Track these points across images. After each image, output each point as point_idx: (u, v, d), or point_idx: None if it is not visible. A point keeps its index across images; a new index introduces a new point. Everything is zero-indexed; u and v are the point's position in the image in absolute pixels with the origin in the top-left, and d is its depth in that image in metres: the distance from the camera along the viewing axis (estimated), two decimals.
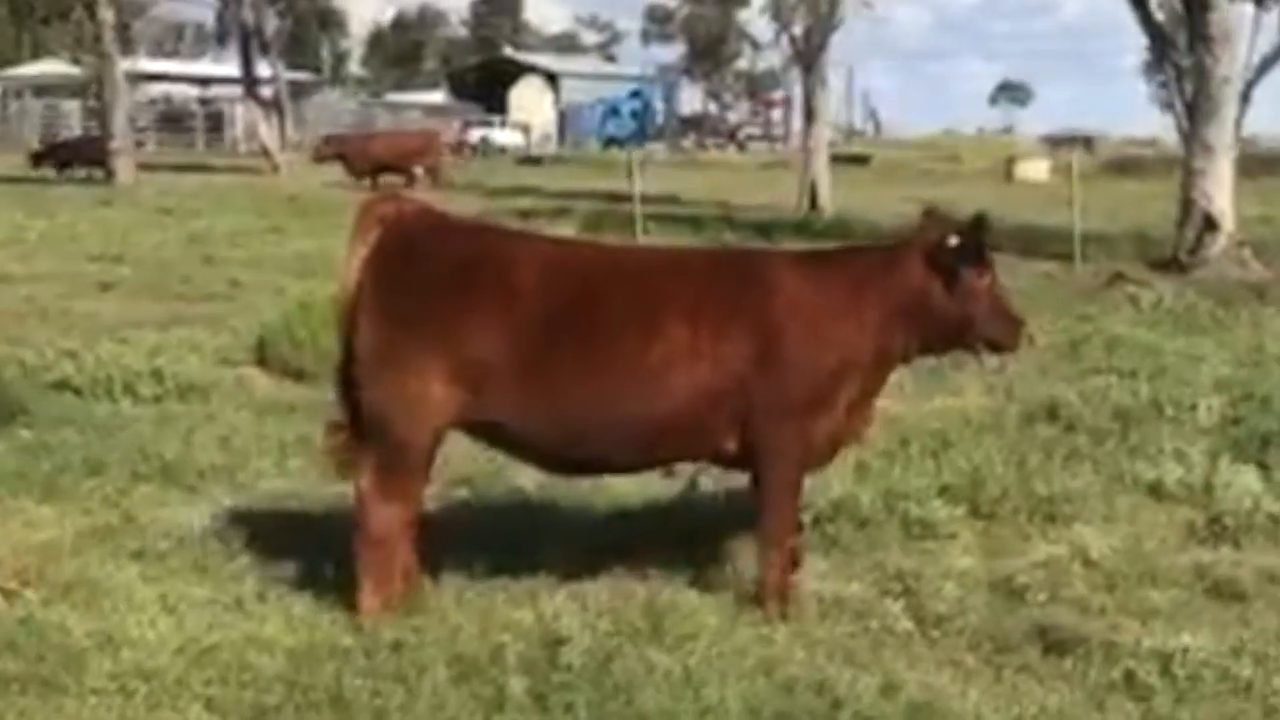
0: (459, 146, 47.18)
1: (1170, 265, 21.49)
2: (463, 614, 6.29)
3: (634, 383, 6.26)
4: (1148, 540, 7.74)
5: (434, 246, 6.34)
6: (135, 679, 5.54)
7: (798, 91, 42.82)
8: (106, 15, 40.40)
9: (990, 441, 9.68)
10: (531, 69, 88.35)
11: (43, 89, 66.98)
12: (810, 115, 35.38)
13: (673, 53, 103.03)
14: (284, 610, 6.32)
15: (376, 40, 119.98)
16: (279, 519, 7.67)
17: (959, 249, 6.70)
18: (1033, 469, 8.78)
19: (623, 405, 6.27)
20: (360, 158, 39.17)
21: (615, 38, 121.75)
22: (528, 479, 8.12)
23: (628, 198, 36.39)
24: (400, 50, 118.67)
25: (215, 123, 72.39)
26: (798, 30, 35.23)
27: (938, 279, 6.69)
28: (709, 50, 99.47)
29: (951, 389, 11.98)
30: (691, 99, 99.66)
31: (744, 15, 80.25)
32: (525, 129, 73.24)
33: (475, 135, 72.63)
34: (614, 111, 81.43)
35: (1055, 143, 77.88)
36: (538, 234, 6.90)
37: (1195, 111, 21.84)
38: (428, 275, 6.23)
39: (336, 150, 41.05)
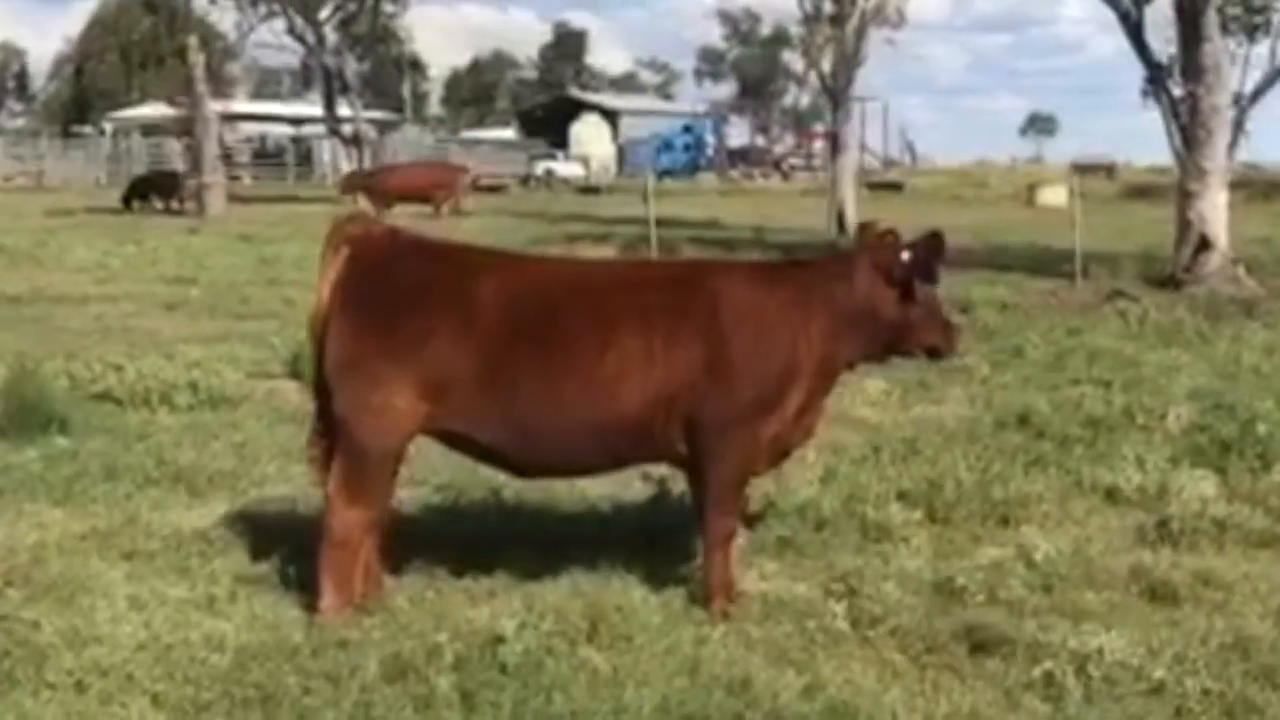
0: (476, 179, 47.14)
1: (1167, 283, 21.00)
2: (416, 613, 6.07)
3: (590, 390, 6.04)
4: (1095, 543, 7.41)
5: (398, 265, 6.14)
6: (92, 675, 5.33)
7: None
8: (197, 59, 40.64)
9: (959, 448, 9.36)
10: (591, 107, 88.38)
11: (149, 129, 67.51)
12: (838, 146, 35.03)
13: (724, 90, 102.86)
14: (250, 609, 6.13)
15: (454, 82, 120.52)
16: (270, 521, 7.47)
17: (911, 263, 6.42)
18: (993, 475, 8.46)
19: (579, 412, 6.05)
20: (382, 190, 39.14)
21: (672, 78, 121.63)
22: (506, 482, 7.87)
23: (670, 223, 36.55)
24: (475, 91, 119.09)
25: (306, 158, 72.88)
26: (826, 68, 34.89)
27: (884, 289, 6.42)
28: (757, 88, 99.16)
29: (934, 399, 11.69)
30: (740, 132, 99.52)
31: (787, 55, 79.96)
32: (585, 161, 73.19)
33: (541, 168, 72.71)
34: (667, 145, 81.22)
35: (1080, 170, 77.01)
36: (500, 251, 6.66)
37: (1190, 138, 21.34)
38: (392, 292, 6.04)
39: (360, 184, 40.96)
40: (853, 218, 34.05)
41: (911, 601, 6.41)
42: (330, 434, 6.11)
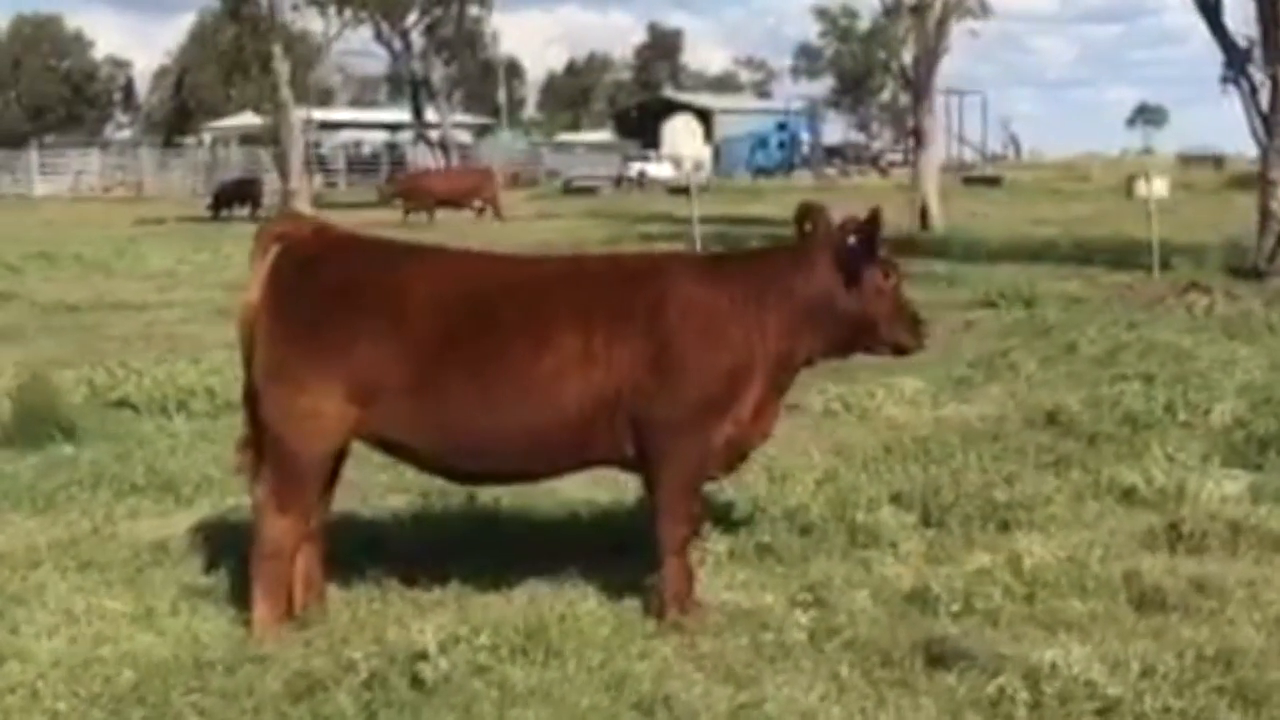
0: (513, 179, 47.62)
1: (1249, 274, 20.26)
2: (351, 626, 5.86)
3: (526, 392, 5.78)
4: (1096, 548, 6.97)
5: (327, 265, 5.90)
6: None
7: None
8: (281, 68, 41.00)
9: (977, 449, 9.01)
10: (686, 107, 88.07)
11: (246, 138, 68.47)
12: (919, 139, 34.35)
13: (822, 87, 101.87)
14: (185, 623, 5.96)
15: (551, 85, 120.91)
16: (234, 531, 7.24)
17: (857, 248, 6.11)
18: (1002, 476, 8.09)
19: (515, 415, 5.79)
20: (420, 195, 39.35)
21: (770, 76, 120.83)
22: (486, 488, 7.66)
23: (751, 220, 36.23)
24: (571, 94, 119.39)
25: (399, 164, 73.44)
26: (907, 60, 34.28)
27: (842, 281, 6.10)
28: (855, 83, 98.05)
29: (968, 397, 11.28)
30: (836, 129, 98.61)
31: (883, 51, 78.91)
32: (676, 162, 72.85)
33: (634, 169, 72.53)
34: (762, 143, 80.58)
35: (1187, 161, 75.29)
36: (434, 248, 6.42)
37: (1271, 124, 20.57)
38: (319, 293, 5.82)
39: (398, 189, 41.28)
40: (937, 213, 33.45)
41: (879, 612, 6.09)
42: (259, 441, 5.90)
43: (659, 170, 72.05)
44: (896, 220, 33.78)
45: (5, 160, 71.12)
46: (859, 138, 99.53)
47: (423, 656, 5.30)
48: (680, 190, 61.81)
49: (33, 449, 9.71)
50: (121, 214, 46.13)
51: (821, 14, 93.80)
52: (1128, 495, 7.94)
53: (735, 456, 6.20)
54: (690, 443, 5.91)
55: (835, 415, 10.65)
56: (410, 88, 53.09)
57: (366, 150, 76.84)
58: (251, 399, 5.94)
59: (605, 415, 5.83)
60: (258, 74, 42.77)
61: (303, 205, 41.25)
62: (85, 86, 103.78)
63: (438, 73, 52.99)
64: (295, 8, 43.02)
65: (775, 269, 6.16)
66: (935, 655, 5.54)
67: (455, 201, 38.86)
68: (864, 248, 6.13)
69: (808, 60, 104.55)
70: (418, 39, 52.72)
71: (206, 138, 76.22)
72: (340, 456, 5.98)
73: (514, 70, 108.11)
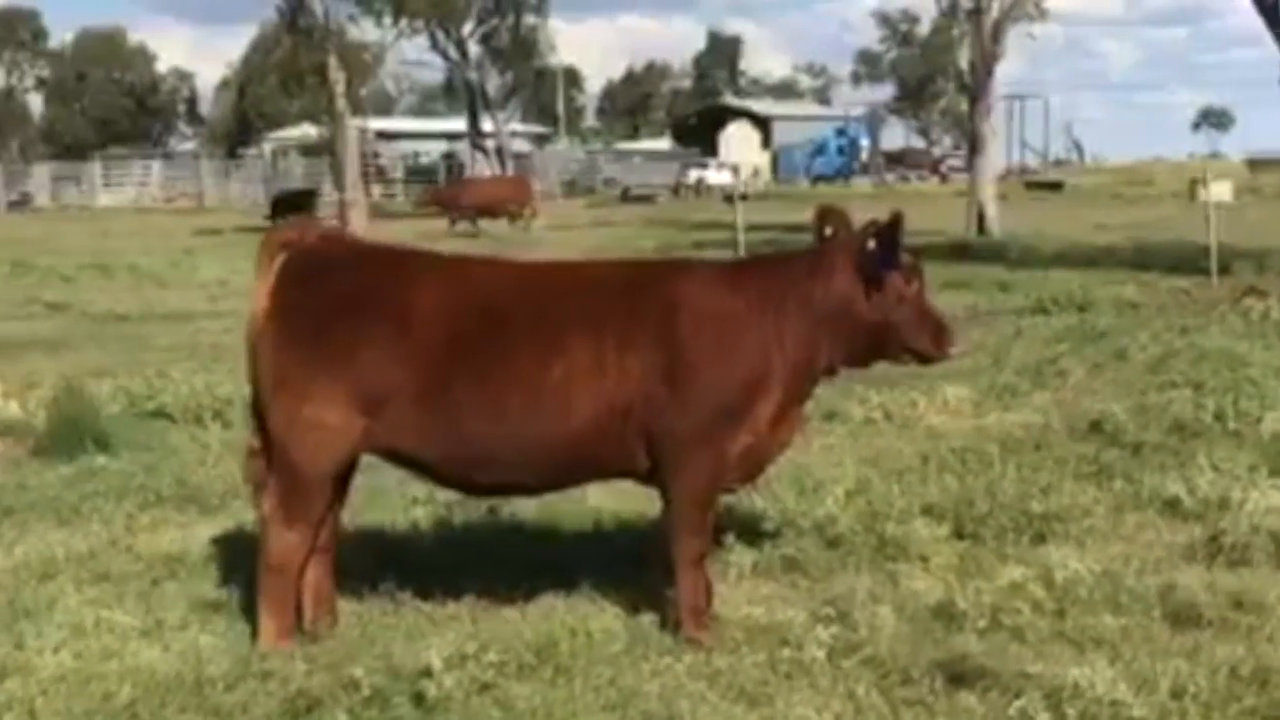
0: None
1: None
2: (360, 641, 5.75)
3: (535, 403, 5.65)
4: (1134, 561, 6.77)
5: (333, 273, 5.80)
6: None
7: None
8: (337, 78, 41.16)
9: (1017, 458, 8.78)
10: (744, 114, 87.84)
11: (305, 149, 69.03)
12: (976, 144, 34.02)
13: (883, 93, 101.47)
14: (192, 638, 5.87)
15: (610, 93, 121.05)
16: (254, 543, 7.20)
17: (877, 252, 5.94)
18: (1040, 487, 7.87)
19: (525, 426, 5.66)
20: (456, 204, 39.42)
21: (831, 82, 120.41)
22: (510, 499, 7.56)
23: (802, 228, 35.93)
24: (630, 102, 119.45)
25: (458, 174, 73.67)
26: (964, 64, 33.95)
27: (863, 287, 5.94)
28: (916, 89, 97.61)
29: (1013, 405, 11.04)
30: (896, 135, 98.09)
31: (943, 56, 78.30)
32: (734, 169, 72.62)
33: (692, 176, 72.46)
34: (820, 149, 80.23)
35: (1256, 165, 74.28)
36: (440, 255, 6.29)
37: None
38: (325, 301, 5.72)
39: (434, 198, 41.40)
40: (994, 218, 33.13)
41: (903, 628, 5.91)
42: (268, 453, 5.81)
43: (717, 177, 71.88)
44: (949, 227, 33.71)
45: (70, 172, 72.05)
46: (920, 144, 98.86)
47: (427, 674, 5.19)
48: (735, 198, 62.07)
49: (65, 459, 9.72)
50: (181, 225, 46.54)
51: (882, 19, 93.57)
52: (1170, 507, 7.71)
53: (753, 467, 6.05)
54: (705, 454, 5.77)
55: (874, 424, 10.46)
56: (466, 97, 53.20)
57: (425, 160, 77.15)
58: (259, 410, 5.86)
59: (617, 426, 5.69)
60: (314, 84, 42.93)
61: (359, 216, 41.43)
62: (149, 99, 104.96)
63: (493, 81, 53.08)
64: (351, 18, 43.19)
65: (793, 275, 6.01)
66: (957, 674, 5.36)
67: (490, 210, 38.90)
68: (884, 252, 5.98)
69: (868, 66, 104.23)
70: (474, 48, 52.86)
71: (267, 149, 76.84)
72: (350, 468, 5.88)
73: (573, 79, 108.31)
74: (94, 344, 16.35)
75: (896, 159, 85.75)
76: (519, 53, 55.49)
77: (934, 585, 6.47)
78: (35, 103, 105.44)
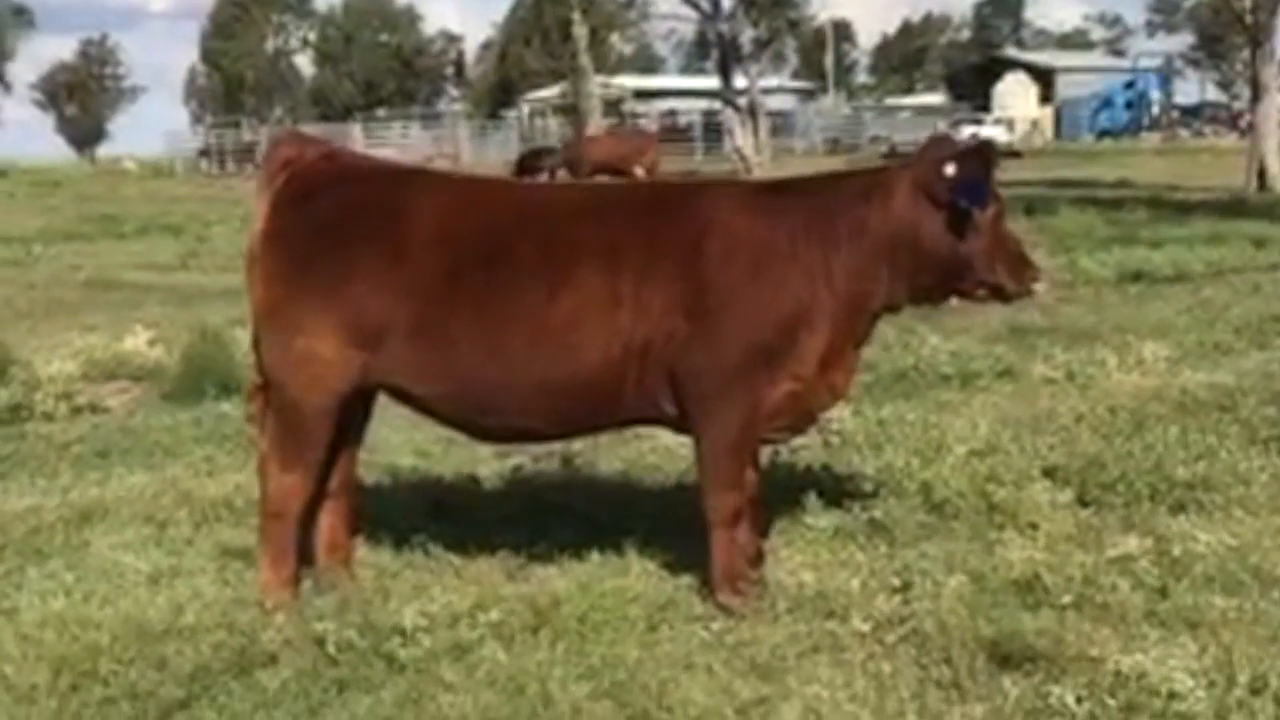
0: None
1: None
2: (374, 591, 5.51)
3: (543, 339, 5.25)
4: (1277, 537, 6.01)
5: (327, 194, 5.47)
6: None
7: None
8: (580, 32, 41.39)
9: (1195, 420, 7.98)
10: (1023, 66, 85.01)
11: (559, 108, 69.81)
12: (1257, 91, 31.94)
13: (1180, 43, 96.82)
14: (196, 586, 5.69)
15: (884, 48, 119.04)
16: None
17: (956, 179, 5.34)
18: (1196, 453, 7.10)
19: (531, 365, 5.27)
20: (578, 164, 38.58)
21: (1126, 33, 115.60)
22: (580, 450, 7.24)
23: (1068, 184, 34.45)
24: (905, 56, 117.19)
25: (715, 132, 73.43)
26: (1247, 3, 31.88)
27: (929, 213, 5.35)
28: (1216, 39, 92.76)
29: (1214, 365, 10.12)
30: (1192, 88, 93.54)
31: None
32: (1009, 124, 70.41)
33: (966, 132, 70.56)
34: (1107, 104, 76.98)
35: None
36: (448, 175, 5.89)
37: None
38: (320, 225, 5.41)
39: (555, 163, 40.42)
40: (1278, 175, 31.08)
41: (970, 602, 5.32)
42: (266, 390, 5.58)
43: (992, 133, 69.87)
44: (1231, 183, 31.71)
45: (333, 134, 74.54)
46: (1219, 97, 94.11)
47: (401, 633, 4.89)
48: (1011, 154, 60.06)
49: (192, 404, 9.83)
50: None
51: None
52: None
53: (800, 417, 5.52)
54: (736, 399, 5.28)
55: (1054, 384, 9.71)
56: (719, 52, 52.68)
57: (683, 120, 77.15)
58: (256, 343, 5.64)
59: (635, 368, 5.26)
60: (558, 41, 43.24)
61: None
62: (415, 61, 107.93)
63: (746, 34, 52.47)
64: None
65: (845, 197, 5.44)
66: (1004, 654, 4.81)
67: (612, 168, 38.21)
68: (966, 181, 5.34)
69: (1164, 15, 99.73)
70: (727, 0, 52.23)
71: (525, 109, 78.05)
72: (356, 408, 5.59)
73: (844, 32, 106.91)
74: None
75: (1192, 113, 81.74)
76: (775, 3, 54.69)
77: (1031, 556, 5.83)
78: (306, 66, 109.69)
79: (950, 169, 5.34)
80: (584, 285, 5.22)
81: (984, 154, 5.40)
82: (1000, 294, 5.52)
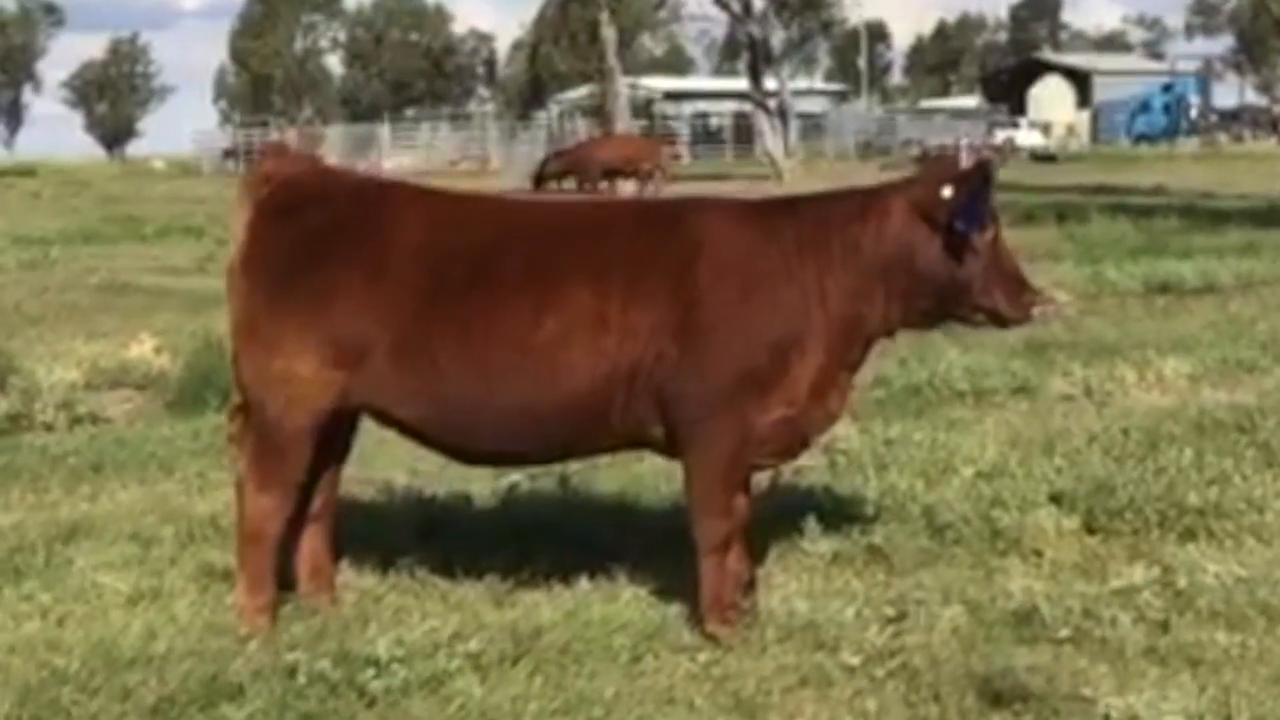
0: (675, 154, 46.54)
1: None
2: (354, 617, 5.41)
3: (527, 361, 5.17)
4: None
5: (307, 210, 5.40)
6: None
7: None
8: (608, 33, 41.34)
9: (1211, 442, 7.84)
10: (1059, 69, 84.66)
11: (587, 110, 69.82)
12: None
13: (1220, 46, 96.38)
14: (173, 610, 5.58)
15: (917, 50, 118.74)
16: None
17: (954, 201, 5.22)
18: (1210, 477, 6.96)
19: (514, 387, 5.18)
20: (585, 167, 38.47)
21: (1164, 35, 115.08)
22: (577, 470, 7.15)
23: (1106, 190, 34.20)
24: (940, 58, 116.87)
25: (746, 135, 73.37)
26: None
27: (925, 235, 5.25)
28: (1257, 41, 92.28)
29: (1236, 384, 9.97)
30: (1232, 92, 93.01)
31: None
32: (1045, 128, 70.15)
33: (1001, 136, 70.24)
34: (1144, 107, 76.63)
35: None
36: (432, 190, 5.80)
37: None
38: (300, 240, 5.33)
39: (562, 167, 40.35)
40: None
41: (964, 635, 5.23)
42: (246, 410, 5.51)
43: (1027, 137, 69.58)
44: (1271, 190, 31.38)
45: (361, 135, 74.68)
46: (1260, 101, 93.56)
47: (374, 664, 4.81)
48: (1046, 158, 59.94)
49: (194, 415, 9.76)
50: (459, 186, 47.37)
51: None
52: None
53: (792, 442, 5.41)
54: (725, 424, 5.18)
55: (1070, 401, 9.59)
56: (749, 53, 52.68)
57: (714, 122, 77.11)
58: (235, 362, 5.57)
59: (621, 391, 5.16)
60: (585, 42, 43.23)
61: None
62: (445, 61, 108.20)
63: (778, 36, 52.41)
64: None
65: (839, 217, 5.33)
66: (995, 692, 4.69)
67: (620, 171, 38.14)
68: (965, 203, 5.22)
69: (1204, 16, 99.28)
70: (758, 1, 52.19)
71: (554, 110, 78.12)
72: (338, 430, 5.51)
73: (879, 34, 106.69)
74: None
75: (1232, 117, 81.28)
76: (807, 5, 54.68)
77: (1031, 586, 5.73)
78: (335, 66, 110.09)
79: (948, 191, 5.23)
80: (570, 305, 5.13)
81: (982, 175, 5.28)
82: (997, 319, 5.40)
